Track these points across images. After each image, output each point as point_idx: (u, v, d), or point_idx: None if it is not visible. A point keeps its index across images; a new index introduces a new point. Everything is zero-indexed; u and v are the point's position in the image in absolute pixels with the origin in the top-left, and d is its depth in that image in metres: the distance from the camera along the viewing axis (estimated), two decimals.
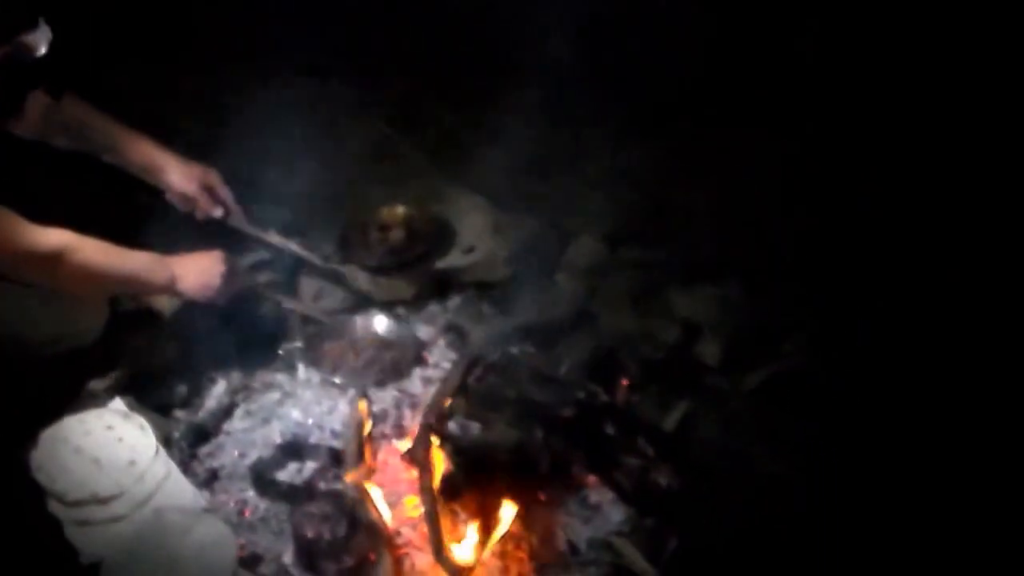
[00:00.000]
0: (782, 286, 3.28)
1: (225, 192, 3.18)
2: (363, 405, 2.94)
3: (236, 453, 2.96)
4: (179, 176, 3.07)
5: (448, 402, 2.88)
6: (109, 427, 2.67)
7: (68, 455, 2.58)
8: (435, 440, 2.71)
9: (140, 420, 2.70)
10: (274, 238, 3.38)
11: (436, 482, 2.63)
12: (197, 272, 2.92)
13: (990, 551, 2.56)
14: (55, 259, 2.54)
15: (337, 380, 3.16)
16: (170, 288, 2.88)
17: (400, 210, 3.63)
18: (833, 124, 3.62)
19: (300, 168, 3.74)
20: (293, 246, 3.43)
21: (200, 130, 3.84)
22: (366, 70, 4.33)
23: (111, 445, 2.62)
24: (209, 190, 3.14)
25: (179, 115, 4.00)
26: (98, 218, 2.83)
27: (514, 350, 3.24)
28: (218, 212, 3.19)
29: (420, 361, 3.28)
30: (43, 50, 2.36)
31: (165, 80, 4.12)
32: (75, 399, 2.86)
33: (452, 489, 2.64)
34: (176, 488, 2.65)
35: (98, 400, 2.86)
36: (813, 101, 3.68)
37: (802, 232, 3.42)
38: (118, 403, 2.81)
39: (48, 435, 2.63)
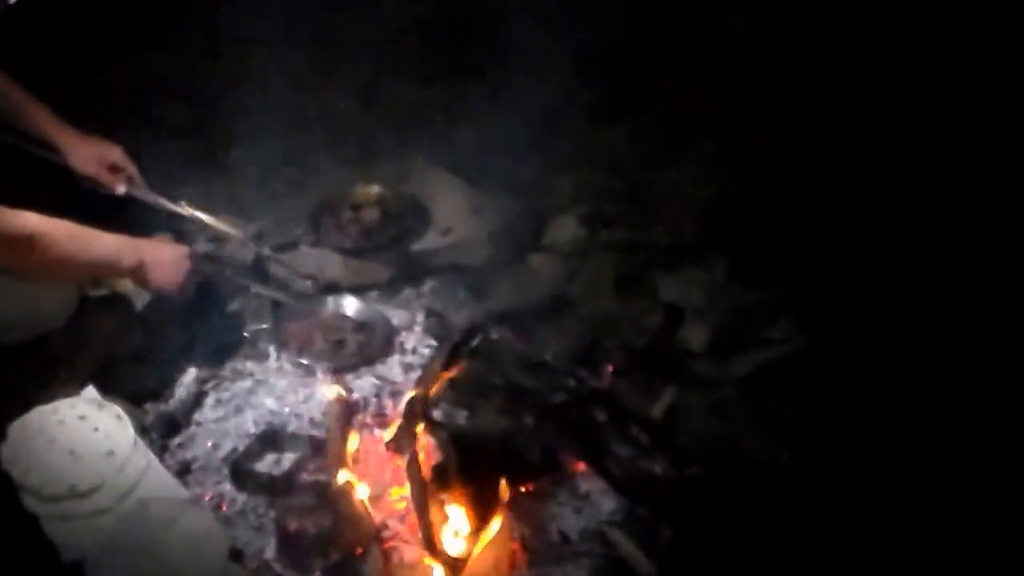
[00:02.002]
0: (769, 268, 3.28)
1: (129, 166, 3.17)
2: (341, 391, 2.92)
3: (209, 444, 2.92)
4: (77, 155, 3.07)
5: (433, 389, 2.84)
6: (83, 417, 2.59)
7: (41, 447, 2.50)
8: (423, 427, 2.69)
9: (116, 409, 2.64)
10: (185, 210, 3.33)
11: (424, 472, 2.60)
12: (165, 262, 2.88)
13: (987, 542, 2.57)
14: (26, 243, 2.47)
15: (304, 361, 3.12)
16: (137, 274, 2.82)
17: (374, 190, 3.59)
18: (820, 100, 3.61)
19: (260, 146, 3.73)
20: (204, 216, 3.37)
21: (152, 106, 3.74)
22: (327, 44, 4.23)
23: (87, 435, 2.55)
24: (111, 167, 3.13)
25: (129, 90, 3.91)
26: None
27: (494, 335, 3.19)
28: (121, 188, 3.17)
29: (392, 344, 3.26)
30: None
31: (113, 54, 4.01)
32: (44, 388, 2.76)
33: (441, 479, 2.61)
34: (158, 479, 2.59)
35: (69, 389, 2.77)
36: (798, 79, 3.67)
37: (790, 211, 3.41)
38: (91, 391, 2.74)
39: (18, 426, 2.56)
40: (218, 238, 3.48)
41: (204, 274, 3.08)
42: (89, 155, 3.07)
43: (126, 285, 3.13)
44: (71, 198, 2.99)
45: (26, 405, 2.64)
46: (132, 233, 2.84)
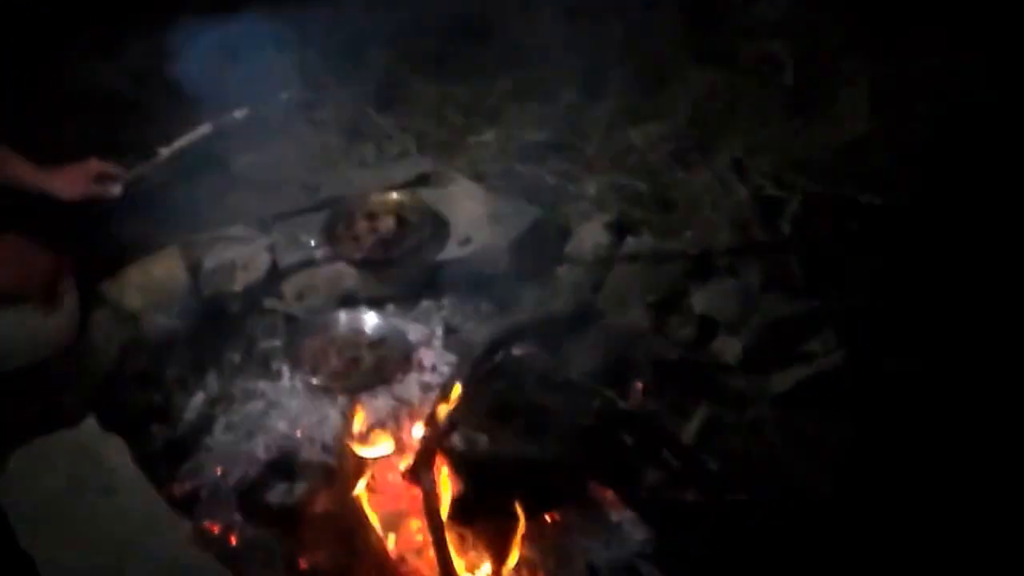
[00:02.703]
0: (807, 278, 3.15)
1: (112, 169, 3.18)
2: (359, 415, 2.86)
3: (218, 471, 2.82)
4: (63, 189, 3.08)
5: (451, 412, 2.73)
6: (82, 448, 2.50)
7: (40, 481, 2.43)
8: (439, 457, 2.58)
9: (116, 441, 2.54)
10: (167, 152, 3.36)
11: (442, 503, 2.51)
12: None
13: None
14: None
15: (315, 382, 3.03)
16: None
17: (390, 198, 3.45)
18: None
19: (271, 151, 3.65)
20: (185, 140, 3.39)
21: (159, 104, 3.64)
22: (341, 41, 4.11)
23: (85, 470, 2.48)
24: (98, 177, 3.13)
25: (136, 88, 3.83)
26: None
27: (517, 351, 3.08)
28: (116, 191, 3.18)
29: (410, 361, 3.14)
30: None
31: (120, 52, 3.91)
32: (46, 415, 2.67)
33: (460, 511, 2.52)
34: (157, 519, 2.47)
35: (72, 415, 2.67)
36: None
37: (828, 216, 3.29)
38: (91, 422, 2.62)
39: (19, 458, 2.49)
40: None
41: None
42: (73, 180, 3.09)
43: (132, 301, 3.05)
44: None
45: (27, 434, 2.56)
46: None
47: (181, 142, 3.36)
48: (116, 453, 2.52)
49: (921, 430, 2.76)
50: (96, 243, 3.04)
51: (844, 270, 3.12)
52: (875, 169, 3.39)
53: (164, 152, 3.32)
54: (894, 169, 3.36)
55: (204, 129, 3.40)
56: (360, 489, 2.67)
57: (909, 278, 3.05)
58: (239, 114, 3.42)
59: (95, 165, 3.13)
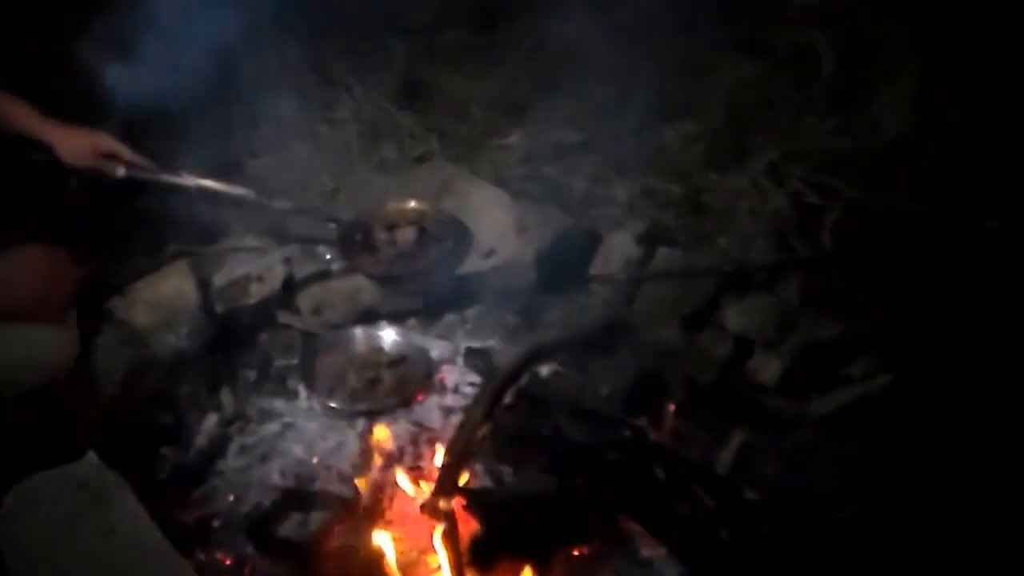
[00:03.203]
0: (849, 295, 3.02)
1: (123, 150, 3.02)
2: (378, 438, 2.79)
3: (231, 498, 2.75)
4: (68, 149, 2.93)
5: (473, 441, 2.61)
6: (82, 485, 2.41)
7: (38, 521, 2.34)
8: (459, 496, 2.47)
9: (116, 478, 2.45)
10: (190, 180, 3.15)
11: (462, 543, 2.41)
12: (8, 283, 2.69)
13: None
14: None
15: (334, 404, 2.95)
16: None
17: (410, 207, 3.35)
18: None
19: (288, 153, 3.57)
20: (210, 183, 3.18)
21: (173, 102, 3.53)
22: (360, 34, 4.00)
23: (85, 509, 2.38)
24: (105, 154, 2.99)
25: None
26: None
27: (544, 371, 3.02)
28: (120, 172, 3.02)
29: (431, 381, 3.07)
30: None
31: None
32: (48, 444, 2.59)
33: (482, 554, 2.41)
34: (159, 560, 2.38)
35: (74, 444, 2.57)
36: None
37: (873, 226, 3.16)
38: (92, 457, 2.54)
39: (15, 497, 2.39)
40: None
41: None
42: (80, 146, 2.95)
43: (137, 316, 3.00)
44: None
45: (26, 468, 2.46)
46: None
47: (213, 184, 3.18)
48: (117, 491, 2.42)
49: (972, 461, 2.63)
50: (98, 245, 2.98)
51: (888, 285, 2.98)
52: (919, 171, 3.25)
53: (189, 179, 3.15)
54: (940, 171, 3.21)
55: (244, 192, 3.22)
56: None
57: (960, 294, 2.91)
58: (281, 204, 3.27)
59: (106, 141, 3.00)
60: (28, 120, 2.89)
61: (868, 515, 2.59)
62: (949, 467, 2.63)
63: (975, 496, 2.55)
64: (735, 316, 3.03)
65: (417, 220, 3.32)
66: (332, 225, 3.30)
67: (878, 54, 3.69)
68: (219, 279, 3.18)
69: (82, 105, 3.07)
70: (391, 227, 3.30)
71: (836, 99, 3.63)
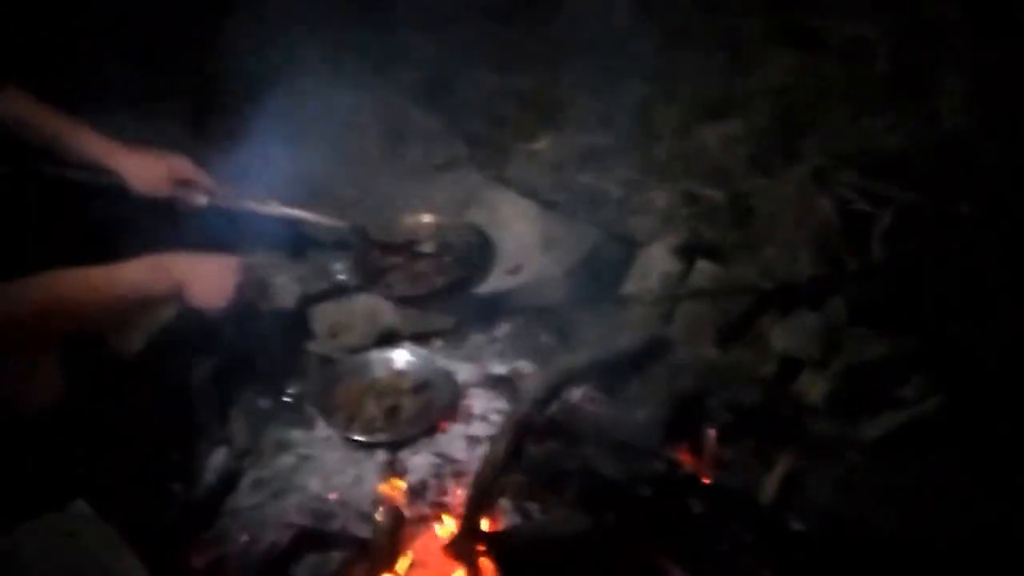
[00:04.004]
0: (900, 310, 2.90)
1: (202, 176, 2.92)
2: (396, 485, 2.68)
3: (244, 537, 2.65)
4: (142, 176, 2.83)
5: (499, 476, 2.58)
6: (71, 534, 2.32)
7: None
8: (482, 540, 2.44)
9: (106, 527, 2.36)
10: (276, 210, 3.09)
11: None
12: (209, 278, 2.55)
13: None
14: (44, 312, 2.21)
15: (357, 438, 2.85)
16: (175, 296, 2.50)
17: (431, 221, 3.26)
18: None
19: (305, 159, 3.46)
20: (300, 213, 3.13)
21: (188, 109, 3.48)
22: (382, 30, 3.91)
23: (74, 560, 2.28)
24: (182, 180, 2.88)
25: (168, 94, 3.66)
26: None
27: (577, 395, 2.94)
28: (202, 201, 2.92)
29: (456, 408, 2.98)
30: None
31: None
32: (33, 493, 2.49)
33: None
34: None
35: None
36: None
37: (925, 235, 3.04)
38: (81, 504, 2.46)
39: None
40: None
41: (261, 286, 2.79)
42: (156, 175, 2.85)
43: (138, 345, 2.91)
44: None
45: (9, 519, 2.33)
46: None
47: (302, 213, 3.14)
48: (107, 541, 2.32)
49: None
50: None
51: (942, 300, 2.87)
52: (980, 173, 3.11)
53: (274, 208, 3.09)
54: (1001, 172, 3.08)
55: (339, 224, 3.19)
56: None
57: (1021, 309, 2.78)
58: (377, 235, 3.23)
59: (184, 166, 2.89)
60: (96, 146, 2.79)
61: (921, 547, 2.50)
62: (1006, 493, 2.55)
63: None
64: (780, 334, 2.93)
65: (439, 235, 3.23)
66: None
67: (937, 44, 3.54)
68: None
69: None
70: (410, 243, 3.20)
71: (891, 94, 3.48)
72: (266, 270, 2.94)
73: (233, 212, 3.00)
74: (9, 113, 2.71)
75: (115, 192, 2.83)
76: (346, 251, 3.24)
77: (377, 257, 3.20)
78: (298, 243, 3.22)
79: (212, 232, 2.89)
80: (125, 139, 2.84)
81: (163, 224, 2.88)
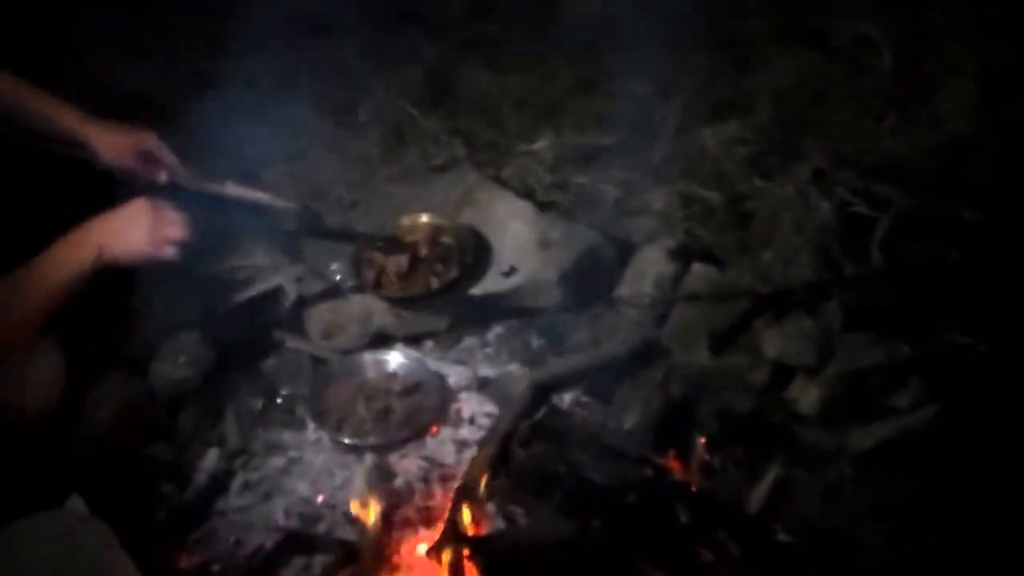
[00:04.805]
0: (896, 317, 2.88)
1: (165, 154, 2.95)
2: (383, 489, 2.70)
3: (232, 539, 2.69)
4: (109, 149, 2.87)
5: (484, 481, 2.63)
6: (65, 532, 2.33)
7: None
8: (466, 545, 2.45)
9: (101, 525, 2.38)
10: (234, 190, 3.12)
11: None
12: (125, 229, 2.55)
13: None
14: None
15: (345, 440, 2.88)
16: (101, 263, 2.50)
17: (427, 222, 3.29)
18: None
19: (303, 160, 3.53)
20: (256, 194, 3.16)
21: (181, 105, 3.52)
22: (382, 28, 3.92)
23: (67, 559, 2.28)
24: (146, 155, 2.92)
25: (162, 88, 3.72)
26: None
27: (566, 399, 2.96)
28: (162, 177, 2.96)
29: (446, 411, 3.00)
30: None
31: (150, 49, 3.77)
32: (28, 493, 2.52)
33: None
34: None
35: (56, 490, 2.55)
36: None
37: (925, 241, 3.04)
38: (76, 502, 2.50)
39: None
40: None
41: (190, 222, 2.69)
42: (122, 147, 2.89)
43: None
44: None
45: (4, 515, 2.35)
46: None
47: (261, 196, 3.17)
48: (101, 539, 2.34)
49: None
50: None
51: (940, 309, 2.86)
52: (981, 177, 3.12)
53: (233, 189, 3.12)
54: (1004, 177, 3.09)
55: (291, 206, 3.23)
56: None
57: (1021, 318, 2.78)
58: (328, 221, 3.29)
59: (151, 141, 2.94)
60: (66, 117, 2.84)
61: (909, 561, 2.50)
62: (999, 506, 2.54)
63: None
64: (773, 339, 2.90)
65: (434, 236, 3.26)
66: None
67: (941, 45, 3.54)
68: (223, 300, 3.11)
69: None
70: (404, 244, 3.22)
71: (894, 97, 3.48)
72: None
73: (191, 190, 3.03)
74: None
75: (79, 161, 2.87)
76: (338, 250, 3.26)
77: (372, 258, 3.21)
78: (249, 222, 3.21)
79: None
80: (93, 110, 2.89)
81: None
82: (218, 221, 3.11)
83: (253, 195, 3.15)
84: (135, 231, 2.53)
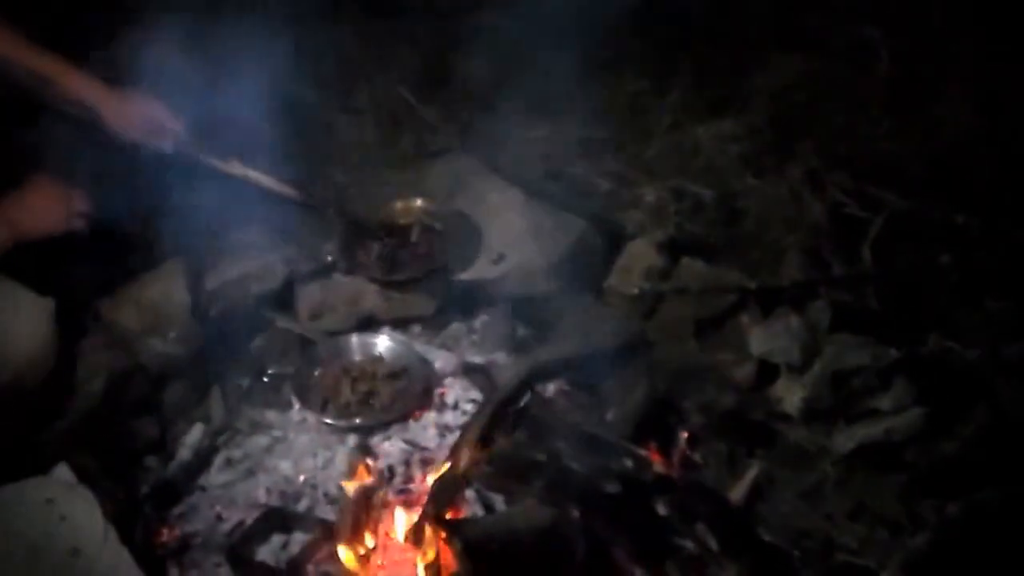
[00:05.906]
0: (884, 318, 2.91)
1: (173, 122, 2.98)
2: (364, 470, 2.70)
3: (213, 515, 2.72)
4: (118, 115, 2.89)
5: (466, 466, 2.62)
6: (49, 500, 2.39)
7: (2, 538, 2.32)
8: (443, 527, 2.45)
9: (86, 493, 2.43)
10: (237, 168, 3.14)
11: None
12: (30, 209, 2.67)
13: None
14: None
15: (329, 421, 2.90)
16: (12, 241, 2.60)
17: (418, 206, 3.31)
18: None
19: (299, 144, 3.49)
20: (261, 176, 3.18)
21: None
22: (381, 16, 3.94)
23: (51, 526, 2.35)
24: (154, 122, 2.94)
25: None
26: None
27: (551, 388, 2.97)
28: (168, 147, 2.98)
29: (431, 395, 3.02)
30: None
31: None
32: (17, 458, 2.55)
33: None
34: None
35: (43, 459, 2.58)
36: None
37: (916, 243, 3.07)
38: (63, 470, 2.52)
39: None
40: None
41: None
42: (132, 114, 2.91)
43: (129, 323, 2.97)
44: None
45: None
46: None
47: (261, 177, 3.18)
48: (85, 509, 2.40)
49: (1002, 507, 2.54)
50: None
51: (928, 311, 2.89)
52: (976, 183, 3.14)
53: (236, 167, 3.14)
54: (999, 183, 3.12)
55: (291, 192, 3.22)
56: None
57: (1009, 325, 2.81)
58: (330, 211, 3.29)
59: (160, 110, 2.97)
60: (74, 81, 2.84)
61: (893, 564, 2.51)
62: (986, 516, 2.55)
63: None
64: (759, 337, 2.93)
65: (425, 221, 3.28)
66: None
67: (941, 50, 3.55)
68: (213, 279, 3.14)
69: None
70: (395, 227, 3.26)
71: (891, 99, 3.49)
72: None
73: (194, 163, 3.07)
74: None
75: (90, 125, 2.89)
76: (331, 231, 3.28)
77: (363, 241, 3.24)
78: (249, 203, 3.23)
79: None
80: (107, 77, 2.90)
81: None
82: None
83: (255, 176, 3.16)
84: (42, 208, 2.66)
